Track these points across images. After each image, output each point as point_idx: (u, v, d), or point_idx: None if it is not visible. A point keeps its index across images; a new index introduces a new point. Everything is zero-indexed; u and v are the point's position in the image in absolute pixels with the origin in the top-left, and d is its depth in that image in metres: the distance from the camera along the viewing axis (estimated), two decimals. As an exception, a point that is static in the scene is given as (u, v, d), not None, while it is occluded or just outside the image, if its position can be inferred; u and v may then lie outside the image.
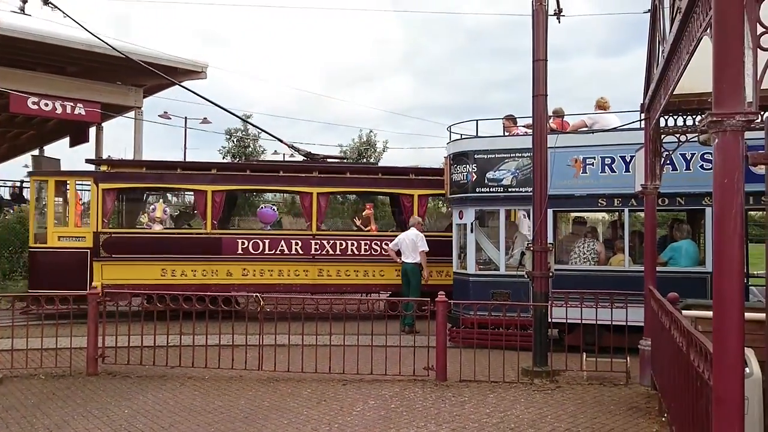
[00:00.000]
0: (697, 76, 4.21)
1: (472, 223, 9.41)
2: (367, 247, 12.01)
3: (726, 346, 2.74)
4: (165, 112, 26.28)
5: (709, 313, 3.21)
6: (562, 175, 8.68)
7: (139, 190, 12.86)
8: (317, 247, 11.90)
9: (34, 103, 16.09)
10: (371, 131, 30.74)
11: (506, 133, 9.86)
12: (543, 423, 5.72)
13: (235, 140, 29.56)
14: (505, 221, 9.37)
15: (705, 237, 8.43)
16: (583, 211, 10.15)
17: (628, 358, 7.14)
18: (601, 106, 9.73)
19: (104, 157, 18.24)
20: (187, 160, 23.85)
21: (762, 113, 5.64)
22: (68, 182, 12.26)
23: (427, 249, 10.69)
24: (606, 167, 8.70)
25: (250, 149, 29.56)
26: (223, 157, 29.38)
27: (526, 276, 7.91)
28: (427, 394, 6.65)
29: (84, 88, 17.33)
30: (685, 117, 6.84)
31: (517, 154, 9.17)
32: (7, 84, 15.39)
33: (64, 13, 10.97)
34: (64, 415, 5.87)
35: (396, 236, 11.26)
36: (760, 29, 2.69)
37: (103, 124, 19.51)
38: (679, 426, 4.40)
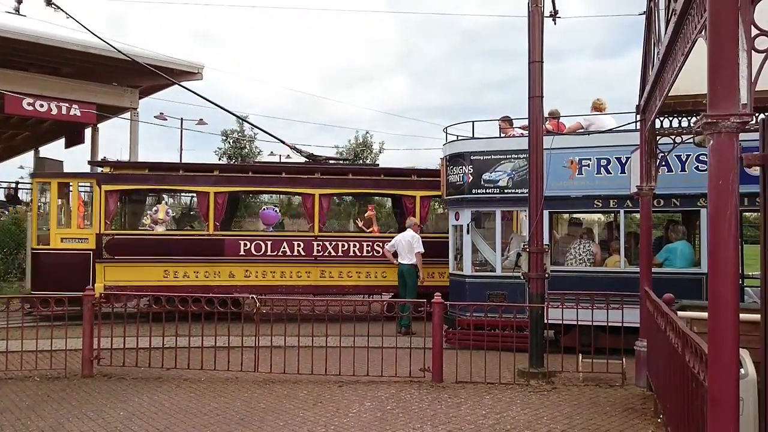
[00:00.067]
0: (692, 77, 4.23)
1: (468, 225, 9.41)
2: (369, 248, 12.01)
3: (721, 347, 2.75)
4: (161, 113, 26.25)
5: (705, 314, 3.22)
6: (558, 176, 8.70)
7: (141, 192, 12.85)
8: (319, 248, 11.91)
9: (29, 104, 16.06)
10: (367, 132, 30.78)
11: (502, 135, 9.88)
12: (539, 424, 5.73)
13: (231, 141, 29.53)
14: (501, 222, 9.38)
15: (700, 238, 8.46)
16: (579, 213, 10.17)
17: (624, 360, 7.15)
18: (597, 107, 9.75)
19: (100, 158, 18.20)
20: (184, 161, 23.81)
21: (756, 115, 5.66)
22: (71, 184, 12.34)
23: (423, 250, 10.69)
24: (602, 168, 8.72)
25: (246, 150, 29.53)
26: (219, 159, 29.34)
27: (522, 277, 7.92)
28: (423, 396, 6.65)
29: (79, 89, 17.32)
30: (680, 118, 6.87)
31: (513, 156, 9.18)
32: (1, 85, 15.36)
33: (67, 14, 10.99)
34: (59, 417, 5.85)
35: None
36: (754, 31, 2.70)
37: (98, 126, 19.49)
38: (674, 427, 4.41)
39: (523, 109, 7.90)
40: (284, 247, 11.85)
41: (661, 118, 6.79)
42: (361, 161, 27.46)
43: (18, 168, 31.58)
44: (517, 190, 9.04)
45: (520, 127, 9.76)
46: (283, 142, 13.52)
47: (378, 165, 14.92)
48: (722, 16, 2.73)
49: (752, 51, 2.69)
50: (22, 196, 22.77)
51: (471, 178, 9.41)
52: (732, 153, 2.73)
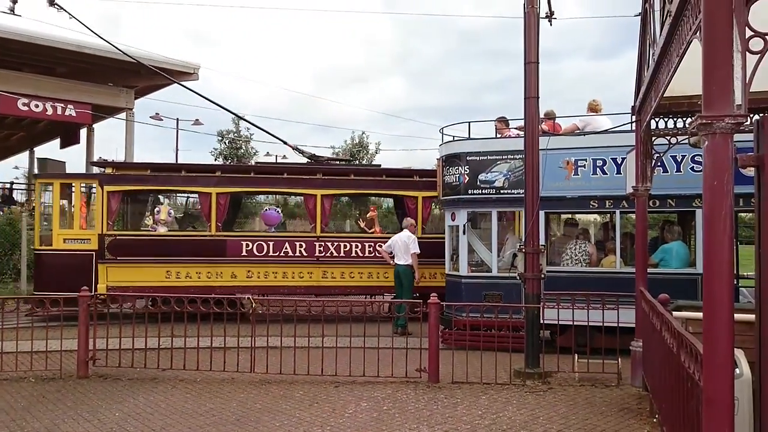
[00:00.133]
0: (687, 78, 4.24)
1: (464, 225, 9.42)
2: (371, 249, 11.98)
3: (716, 347, 2.76)
4: (156, 114, 26.23)
5: (700, 315, 3.23)
6: (554, 176, 8.72)
7: (143, 193, 12.84)
8: (321, 249, 11.90)
9: (24, 104, 16.02)
10: (363, 133, 30.88)
11: (498, 135, 9.89)
12: (535, 424, 5.74)
13: (227, 142, 29.51)
14: (498, 223, 9.39)
15: (696, 238, 8.48)
16: (575, 213, 10.19)
17: (620, 360, 7.17)
18: (593, 108, 9.77)
19: (95, 158, 18.17)
20: (182, 161, 23.74)
21: (751, 116, 5.69)
22: (73, 185, 12.34)
23: (419, 251, 10.68)
24: (597, 169, 8.74)
25: (242, 151, 29.52)
26: (215, 159, 29.31)
27: (518, 278, 7.93)
28: (419, 396, 6.65)
29: (74, 89, 17.27)
30: (675, 119, 6.89)
31: (509, 156, 9.19)
32: (-5, 85, 15.32)
33: (69, 14, 10.98)
34: (54, 418, 5.83)
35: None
36: (748, 32, 2.71)
37: (93, 126, 19.43)
38: (669, 427, 4.42)
39: (520, 110, 7.91)
40: (286, 248, 11.85)
41: (657, 119, 6.82)
42: (357, 162, 27.49)
43: (13, 168, 31.47)
44: (513, 191, 9.05)
45: (516, 128, 9.78)
46: (285, 143, 13.51)
47: (380, 166, 14.91)
48: (717, 18, 2.74)
49: (747, 52, 2.71)
50: (17, 196, 22.71)
51: (467, 178, 9.42)
52: (727, 154, 2.74)
